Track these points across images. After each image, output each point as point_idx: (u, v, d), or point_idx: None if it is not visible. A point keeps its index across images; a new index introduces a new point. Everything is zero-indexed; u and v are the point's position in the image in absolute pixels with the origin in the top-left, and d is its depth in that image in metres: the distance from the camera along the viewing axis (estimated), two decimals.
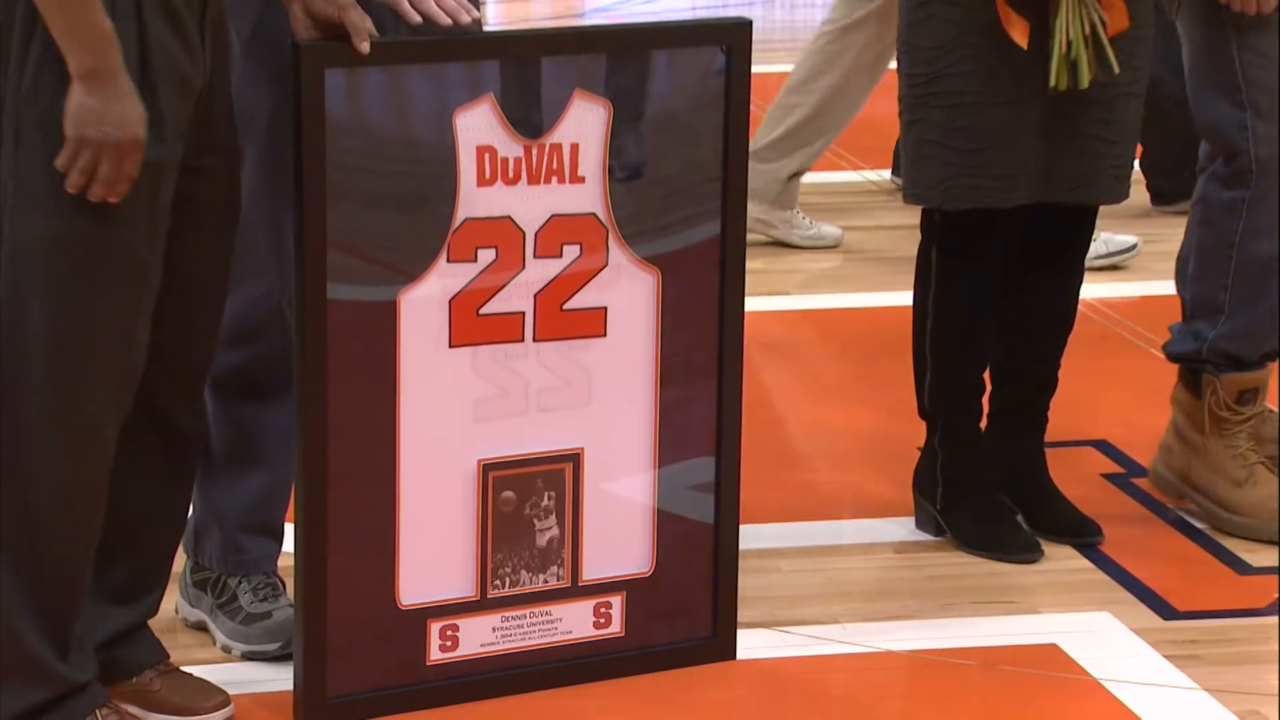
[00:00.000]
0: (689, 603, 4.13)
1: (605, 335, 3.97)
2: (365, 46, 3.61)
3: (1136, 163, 4.80)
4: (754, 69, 4.07)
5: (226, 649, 4.15)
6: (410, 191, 3.81)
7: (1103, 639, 4.28)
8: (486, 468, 3.92)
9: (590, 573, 4.04)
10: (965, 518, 4.68)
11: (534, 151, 3.86)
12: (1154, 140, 6.55)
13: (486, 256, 3.85)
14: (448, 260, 3.82)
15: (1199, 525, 4.74)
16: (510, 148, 3.84)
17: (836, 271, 6.55)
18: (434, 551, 3.91)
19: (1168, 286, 5.00)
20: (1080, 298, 4.78)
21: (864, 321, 5.96)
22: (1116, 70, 4.38)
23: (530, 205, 3.87)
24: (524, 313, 3.90)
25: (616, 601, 4.07)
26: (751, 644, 4.18)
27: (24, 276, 3.49)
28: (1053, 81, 4.37)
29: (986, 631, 4.31)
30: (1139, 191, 6.58)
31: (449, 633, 3.95)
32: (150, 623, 3.92)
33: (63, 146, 3.39)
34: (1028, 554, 4.64)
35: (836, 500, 4.87)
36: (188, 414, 3.80)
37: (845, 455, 5.06)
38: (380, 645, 3.90)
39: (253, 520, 4.15)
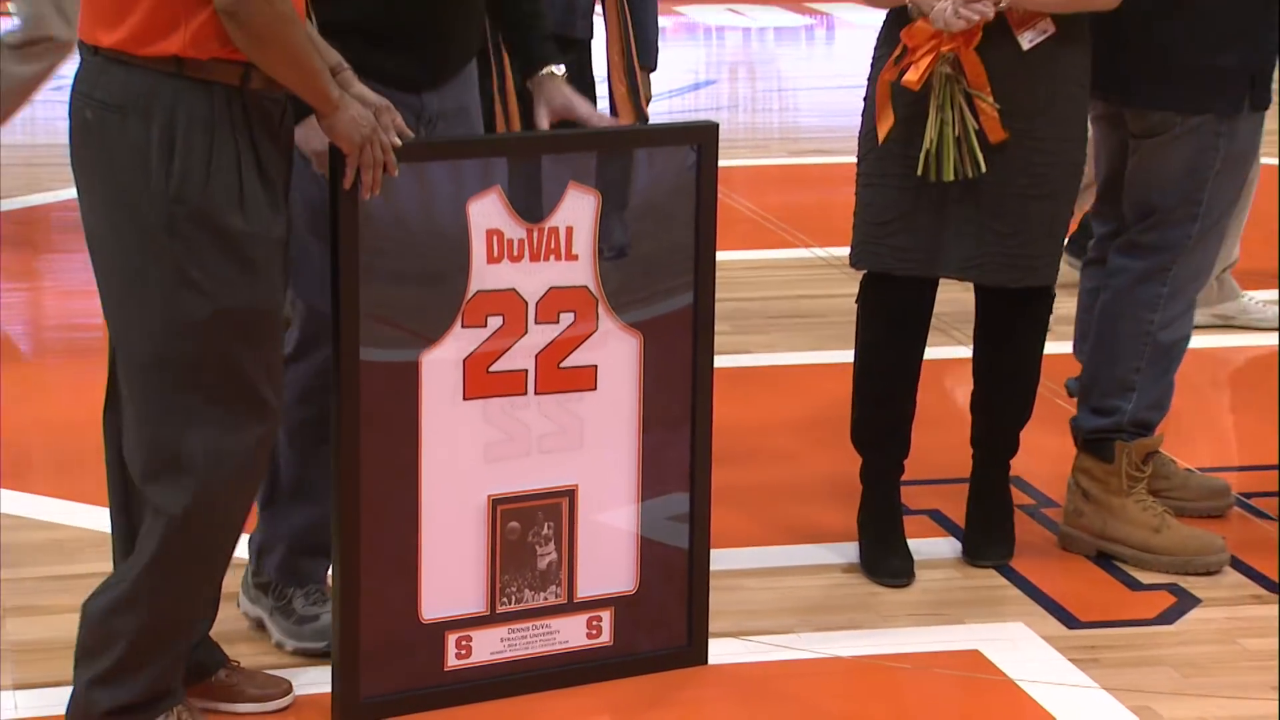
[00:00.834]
0: (667, 616, 4.12)
1: (596, 389, 3.97)
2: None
3: None
4: (720, 164, 4.07)
5: (280, 645, 4.16)
6: (430, 268, 3.81)
7: (1017, 645, 4.28)
8: (495, 502, 3.92)
9: (583, 591, 4.03)
10: (863, 542, 4.68)
11: (535, 234, 3.87)
12: None
13: (495, 323, 3.85)
14: (462, 326, 3.83)
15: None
16: (515, 231, 3.85)
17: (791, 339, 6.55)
18: (450, 573, 3.90)
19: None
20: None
21: (826, 377, 5.95)
22: (976, 172, 4.30)
23: (532, 279, 3.87)
24: (527, 370, 3.90)
25: (606, 615, 4.06)
26: (721, 651, 4.18)
27: (190, 341, 3.48)
28: (919, 170, 4.33)
29: (919, 640, 4.30)
30: None
31: (464, 643, 3.94)
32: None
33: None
34: (892, 579, 4.61)
35: (793, 529, 4.84)
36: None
37: (801, 490, 5.05)
38: (405, 653, 3.89)
39: (307, 543, 4.14)
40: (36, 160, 8.28)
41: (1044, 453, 4.88)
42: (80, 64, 3.51)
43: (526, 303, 3.88)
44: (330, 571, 3.98)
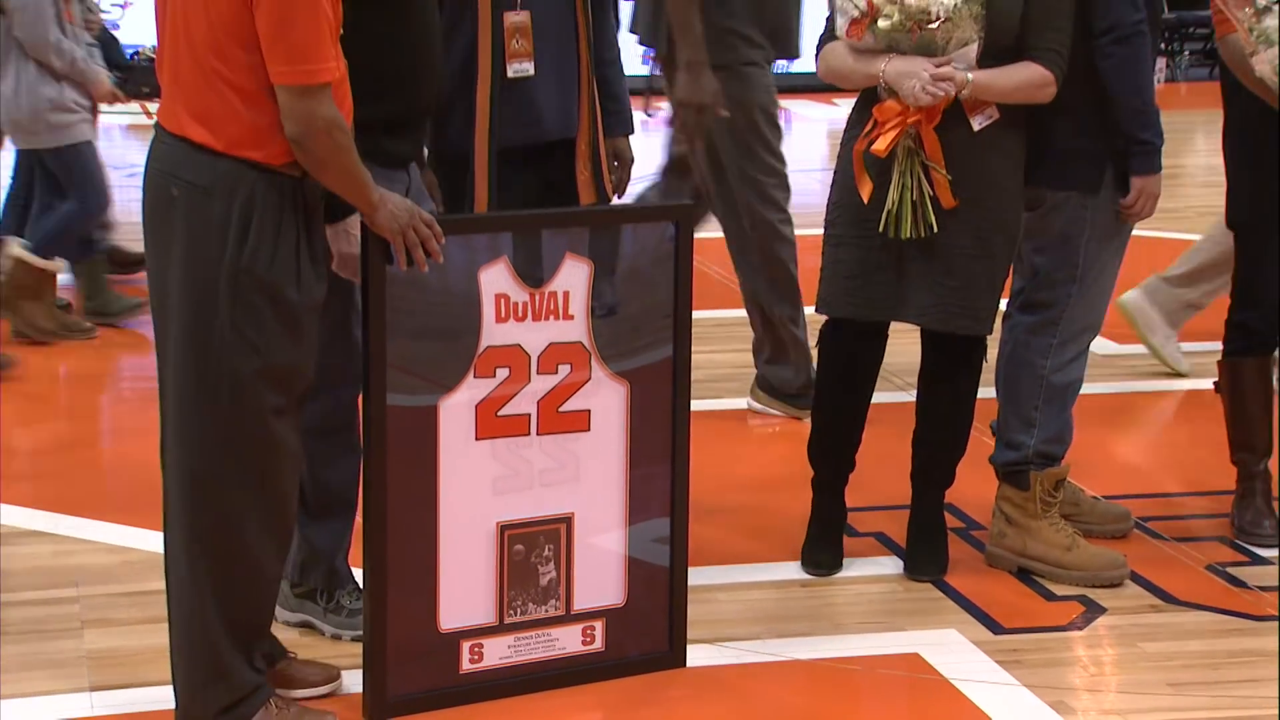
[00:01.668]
0: (651, 625, 4.11)
1: (589, 430, 3.96)
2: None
3: None
4: (695, 236, 4.10)
5: (337, 636, 4.17)
6: (447, 327, 3.81)
7: (950, 649, 4.26)
8: (503, 527, 3.90)
9: (579, 604, 4.01)
10: (805, 538, 4.70)
11: (537, 297, 3.86)
12: None
13: (503, 373, 3.85)
14: (474, 376, 3.82)
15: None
16: (520, 294, 3.84)
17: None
18: (464, 589, 3.89)
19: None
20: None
21: (783, 420, 5.94)
22: (929, 232, 4.31)
23: (534, 336, 3.86)
24: (530, 414, 3.89)
25: (599, 625, 4.04)
26: (697, 655, 4.16)
27: (245, 391, 3.50)
28: (880, 228, 4.34)
29: (867, 644, 4.28)
30: None
31: (476, 649, 3.93)
32: None
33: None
34: (815, 569, 4.66)
35: (758, 549, 4.82)
36: None
37: (766, 516, 5.04)
38: (426, 658, 3.87)
39: (341, 552, 4.18)
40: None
41: (972, 483, 4.87)
42: (163, 145, 3.53)
43: (529, 356, 3.88)
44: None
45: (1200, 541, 4.93)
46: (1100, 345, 5.34)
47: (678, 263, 4.02)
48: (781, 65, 6.18)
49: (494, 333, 3.83)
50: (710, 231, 5.86)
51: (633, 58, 5.29)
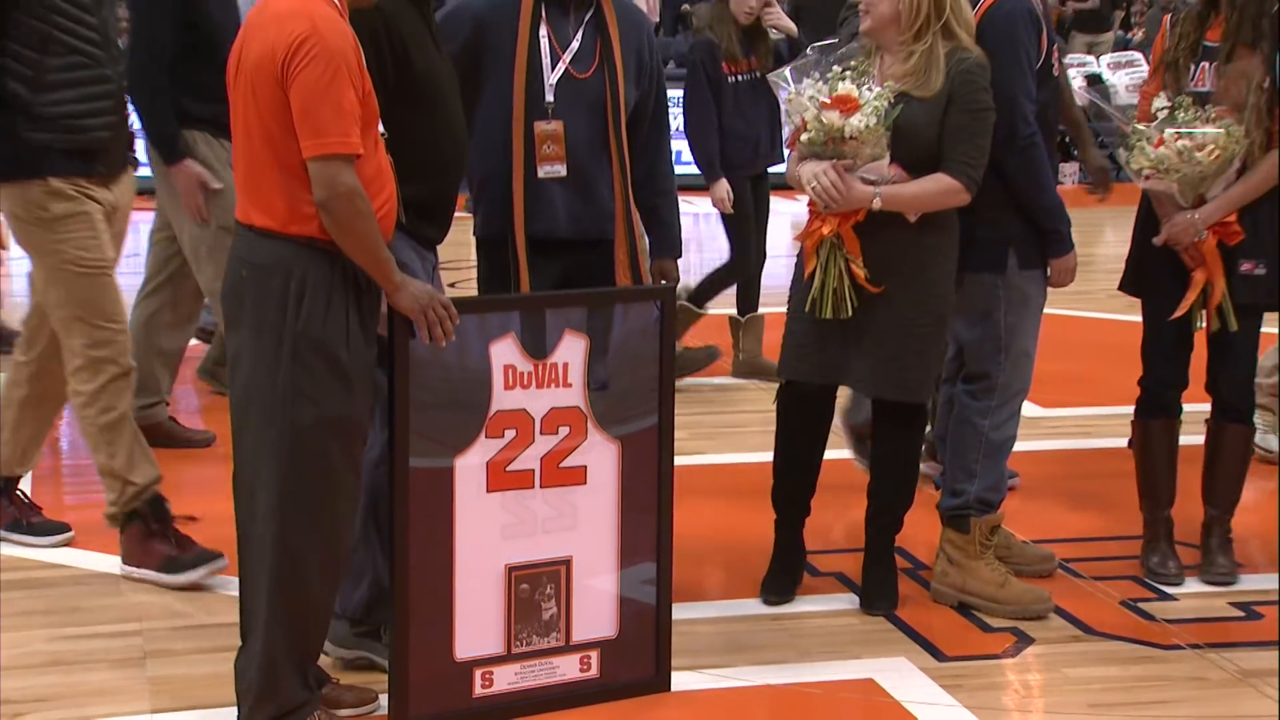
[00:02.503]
0: (640, 654, 4.07)
1: (586, 484, 3.94)
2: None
3: None
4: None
5: None
6: (462, 395, 3.78)
7: (901, 675, 4.22)
8: (510, 569, 3.87)
9: (577, 636, 3.97)
10: (765, 575, 4.68)
11: (540, 368, 3.85)
12: None
13: (510, 434, 3.83)
14: (485, 437, 3.80)
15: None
16: (525, 365, 3.83)
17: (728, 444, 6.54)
18: (477, 623, 3.85)
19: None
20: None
21: (750, 472, 5.90)
22: (846, 314, 4.32)
23: (537, 402, 3.85)
24: (534, 469, 3.87)
25: (594, 654, 4.00)
26: (680, 681, 4.12)
27: (309, 438, 3.53)
28: (806, 308, 4.37)
29: (828, 671, 4.24)
30: None
31: (487, 676, 3.88)
32: None
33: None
34: (768, 596, 4.63)
35: (734, 586, 4.80)
36: None
37: (739, 557, 5.00)
38: (443, 683, 3.83)
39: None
40: None
41: (919, 528, 4.85)
42: (238, 237, 3.60)
43: (534, 419, 3.86)
44: None
45: (1115, 580, 4.91)
46: (1029, 409, 5.32)
47: (662, 338, 4.01)
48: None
49: (503, 399, 3.81)
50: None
51: None
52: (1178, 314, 4.68)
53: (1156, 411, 4.91)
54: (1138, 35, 18.24)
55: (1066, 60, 5.06)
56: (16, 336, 5.31)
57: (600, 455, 3.95)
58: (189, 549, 4.70)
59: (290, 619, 3.60)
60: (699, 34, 7.04)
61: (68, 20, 4.55)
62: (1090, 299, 7.92)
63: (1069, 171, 13.68)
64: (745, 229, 7.02)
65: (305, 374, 3.50)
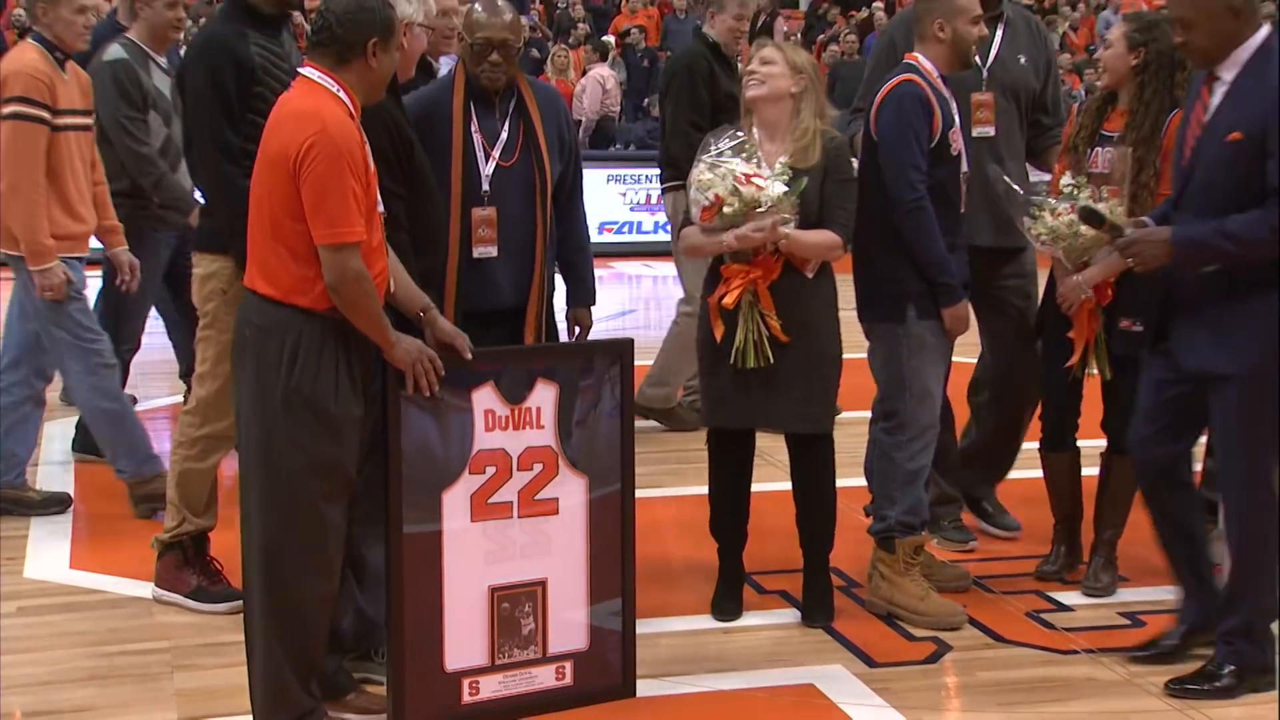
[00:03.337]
0: (609, 665, 4.06)
1: (558, 514, 3.94)
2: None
3: None
4: (636, 364, 4.11)
5: None
6: (449, 435, 3.78)
7: (837, 680, 4.22)
8: (493, 590, 3.87)
9: (553, 649, 3.96)
10: (713, 596, 4.66)
11: (517, 411, 3.85)
12: None
13: (490, 470, 3.83)
14: (469, 473, 3.81)
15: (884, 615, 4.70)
16: (503, 410, 3.84)
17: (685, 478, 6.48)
18: (464, 638, 3.84)
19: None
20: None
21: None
22: (767, 363, 4.35)
23: (514, 442, 3.85)
24: (512, 502, 3.87)
25: (569, 665, 3.99)
26: (645, 688, 4.11)
27: (298, 480, 3.53)
28: (732, 360, 4.39)
29: (772, 678, 4.22)
30: None
31: (474, 685, 3.87)
32: None
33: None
34: (719, 616, 4.61)
35: (690, 605, 4.77)
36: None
37: (693, 577, 4.99)
38: (435, 692, 3.82)
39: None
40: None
41: (852, 550, 4.86)
42: (244, 299, 3.61)
43: (511, 457, 3.86)
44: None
45: (1021, 595, 4.91)
46: None
47: (622, 386, 4.02)
48: None
49: (484, 439, 3.81)
50: (646, 360, 5.77)
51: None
52: (1069, 364, 4.75)
53: (1055, 445, 4.96)
54: None
55: None
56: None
57: (570, 489, 3.94)
58: (217, 583, 4.65)
59: (290, 635, 3.60)
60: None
61: None
62: None
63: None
64: None
65: (297, 424, 3.50)
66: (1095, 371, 4.78)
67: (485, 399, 3.81)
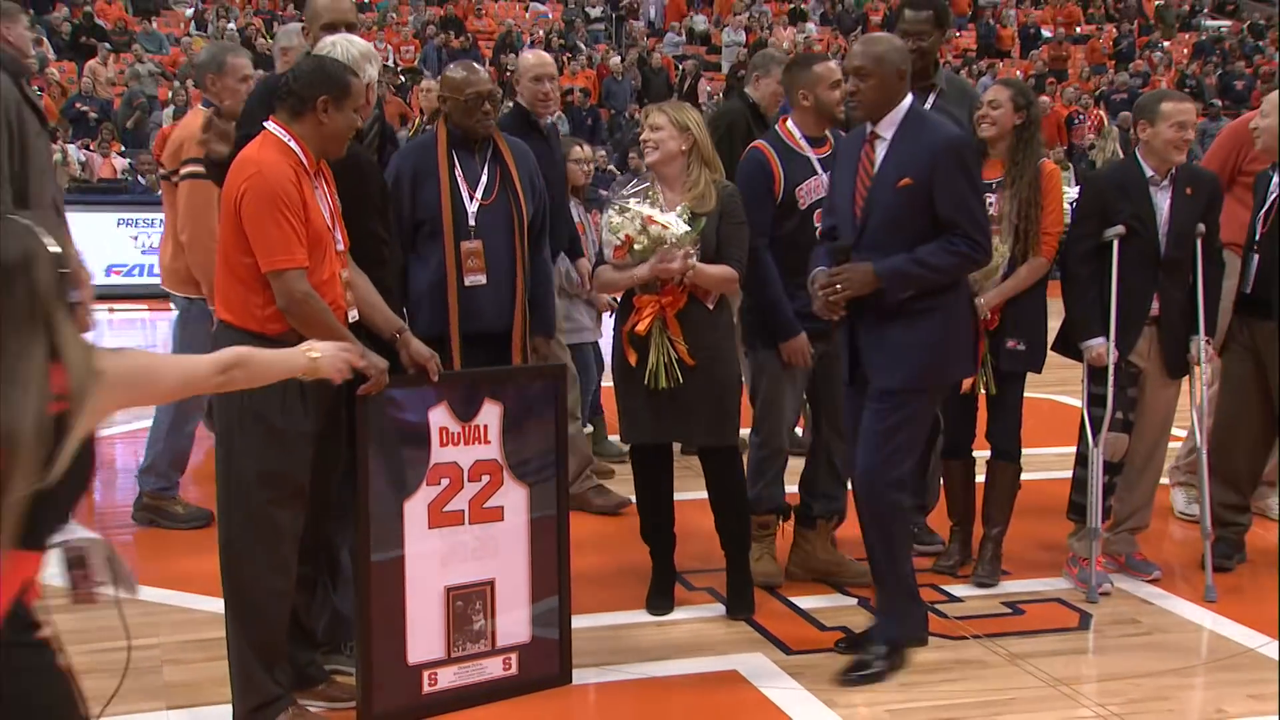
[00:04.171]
0: (549, 656, 4.04)
1: (503, 521, 3.94)
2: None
3: None
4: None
5: None
6: (408, 450, 3.77)
7: (757, 665, 4.21)
8: (449, 589, 3.85)
9: (500, 642, 3.95)
10: (648, 594, 4.63)
11: (467, 428, 3.86)
12: None
13: (445, 482, 3.83)
14: (426, 485, 3.81)
15: (800, 605, 4.67)
16: (455, 427, 3.84)
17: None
18: (424, 633, 3.83)
19: None
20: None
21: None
22: (677, 383, 4.33)
23: (465, 456, 3.85)
24: (463, 510, 3.87)
25: (514, 656, 3.98)
26: (581, 676, 4.09)
27: (250, 487, 3.51)
28: (646, 381, 4.39)
29: (700, 665, 4.21)
30: None
31: (433, 676, 3.85)
32: None
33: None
34: (654, 611, 4.55)
35: (624, 601, 4.71)
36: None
37: (628, 577, 4.95)
38: (399, 683, 3.80)
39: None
40: None
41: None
42: (215, 323, 3.62)
43: (463, 470, 3.86)
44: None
45: (920, 588, 4.87)
46: None
47: (557, 407, 4.04)
48: None
49: (439, 454, 3.82)
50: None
51: None
52: (965, 386, 4.77)
53: (952, 453, 5.01)
54: None
55: None
56: None
57: (514, 498, 3.95)
58: None
59: (252, 626, 3.59)
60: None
61: None
62: None
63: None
64: None
65: (248, 437, 3.51)
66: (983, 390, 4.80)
67: (440, 417, 3.82)
